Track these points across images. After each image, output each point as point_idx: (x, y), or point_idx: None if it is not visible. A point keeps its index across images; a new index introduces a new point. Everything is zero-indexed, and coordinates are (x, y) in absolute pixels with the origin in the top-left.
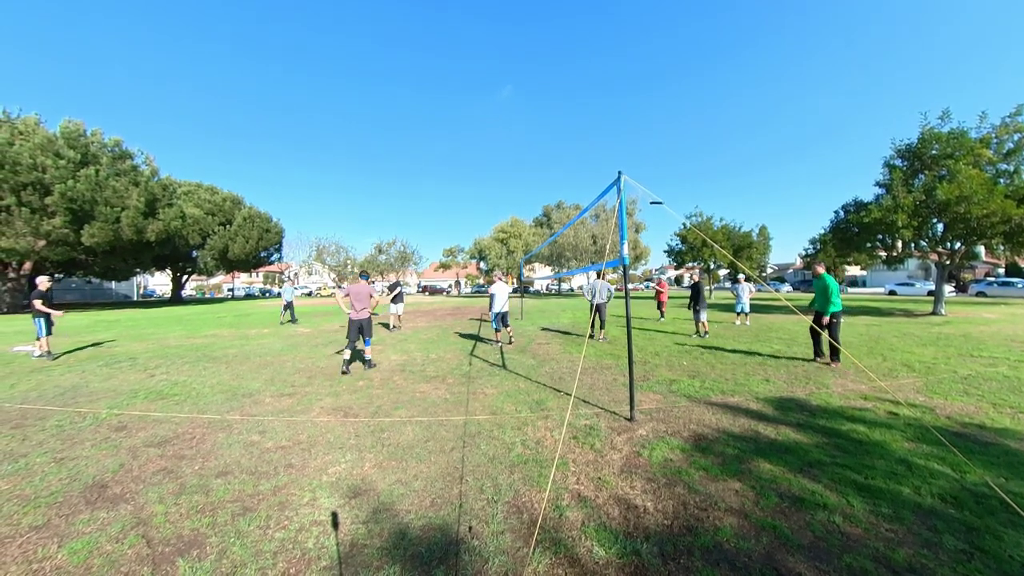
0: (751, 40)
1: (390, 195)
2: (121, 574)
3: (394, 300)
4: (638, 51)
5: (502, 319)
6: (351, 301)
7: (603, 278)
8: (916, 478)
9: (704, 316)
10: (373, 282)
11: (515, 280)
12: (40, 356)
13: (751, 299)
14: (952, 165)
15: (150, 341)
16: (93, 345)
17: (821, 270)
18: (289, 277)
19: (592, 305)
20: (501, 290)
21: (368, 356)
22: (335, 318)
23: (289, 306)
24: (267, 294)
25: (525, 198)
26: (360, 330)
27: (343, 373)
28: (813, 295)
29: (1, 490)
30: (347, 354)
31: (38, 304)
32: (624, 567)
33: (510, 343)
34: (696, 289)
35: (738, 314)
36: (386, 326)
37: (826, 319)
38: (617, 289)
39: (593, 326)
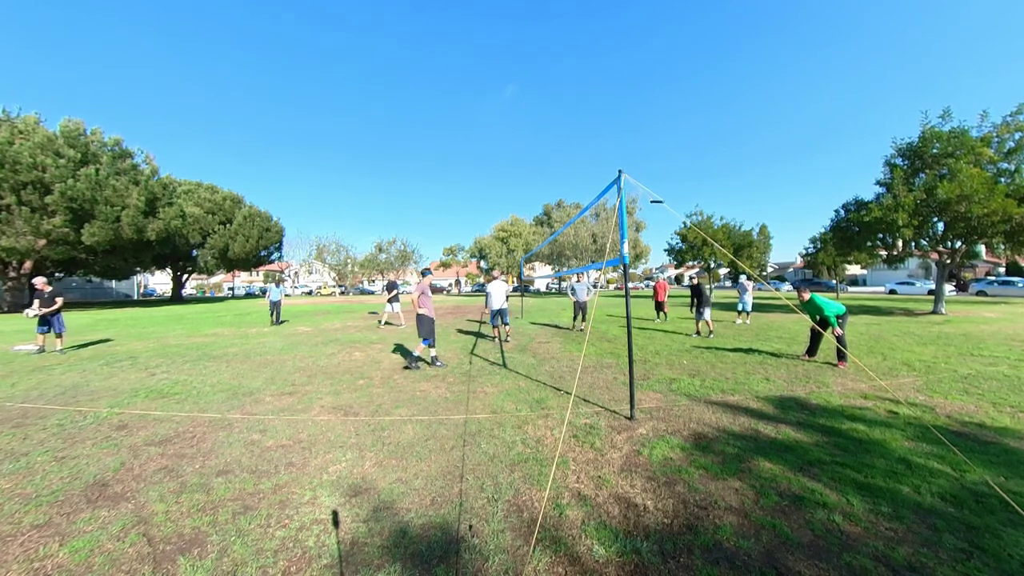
0: (751, 40)
1: (391, 194)
2: (122, 572)
3: (391, 300)
4: (639, 50)
5: (500, 316)
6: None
7: (581, 280)
8: (916, 477)
9: (708, 315)
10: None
11: (515, 279)
12: (38, 352)
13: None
14: (953, 164)
15: (151, 340)
16: (92, 344)
17: (806, 296)
18: (275, 277)
19: (575, 303)
20: (496, 288)
21: (432, 353)
22: (335, 317)
23: (275, 306)
24: (265, 293)
25: (525, 197)
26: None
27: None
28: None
29: (3, 488)
30: (416, 350)
31: (36, 307)
32: (624, 565)
33: (507, 341)
34: (696, 290)
35: (739, 312)
36: (387, 323)
37: (838, 331)
38: (617, 288)
39: (575, 319)
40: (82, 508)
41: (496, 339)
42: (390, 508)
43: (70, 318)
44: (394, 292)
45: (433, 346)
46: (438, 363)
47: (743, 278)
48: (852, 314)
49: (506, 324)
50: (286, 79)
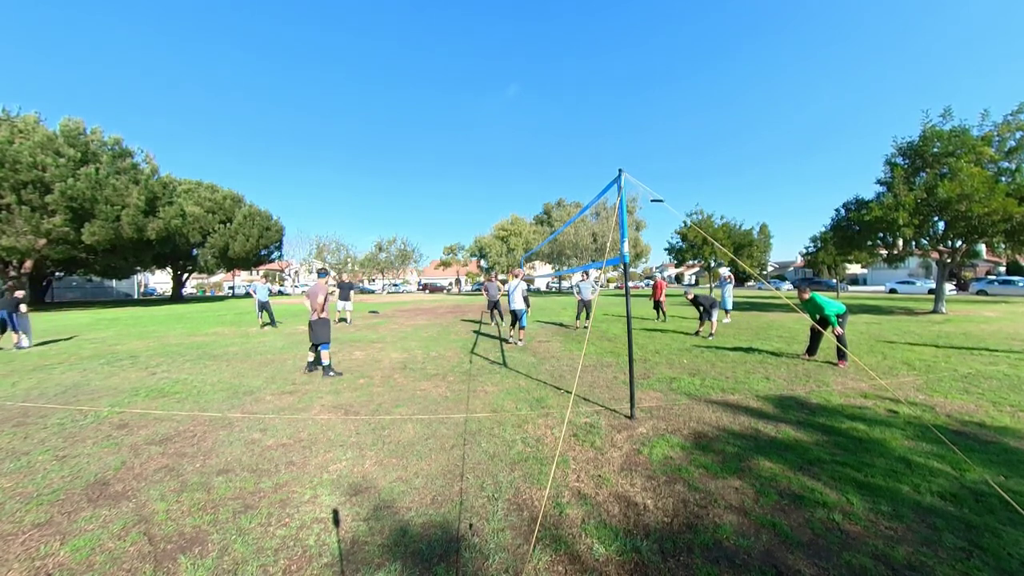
0: (751, 40)
1: (391, 193)
2: (123, 571)
3: (342, 297)
4: (639, 49)
5: (515, 317)
6: (309, 303)
7: (586, 279)
8: (916, 476)
9: (715, 316)
10: (352, 282)
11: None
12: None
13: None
14: (953, 163)
15: (151, 339)
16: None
17: (807, 295)
18: (267, 276)
19: (579, 301)
20: (512, 286)
21: (325, 361)
22: (334, 316)
23: (265, 306)
24: (251, 293)
25: (526, 196)
26: (312, 331)
27: (306, 372)
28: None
29: (4, 488)
30: (311, 355)
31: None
32: (624, 564)
33: (508, 341)
34: (696, 302)
35: (725, 312)
36: (344, 320)
37: (838, 330)
38: (617, 287)
39: (579, 317)
40: (83, 507)
41: (511, 341)
42: (390, 507)
43: (69, 317)
44: (346, 290)
45: (311, 352)
46: (308, 368)
47: (725, 272)
48: (852, 313)
49: (522, 327)
50: (286, 79)
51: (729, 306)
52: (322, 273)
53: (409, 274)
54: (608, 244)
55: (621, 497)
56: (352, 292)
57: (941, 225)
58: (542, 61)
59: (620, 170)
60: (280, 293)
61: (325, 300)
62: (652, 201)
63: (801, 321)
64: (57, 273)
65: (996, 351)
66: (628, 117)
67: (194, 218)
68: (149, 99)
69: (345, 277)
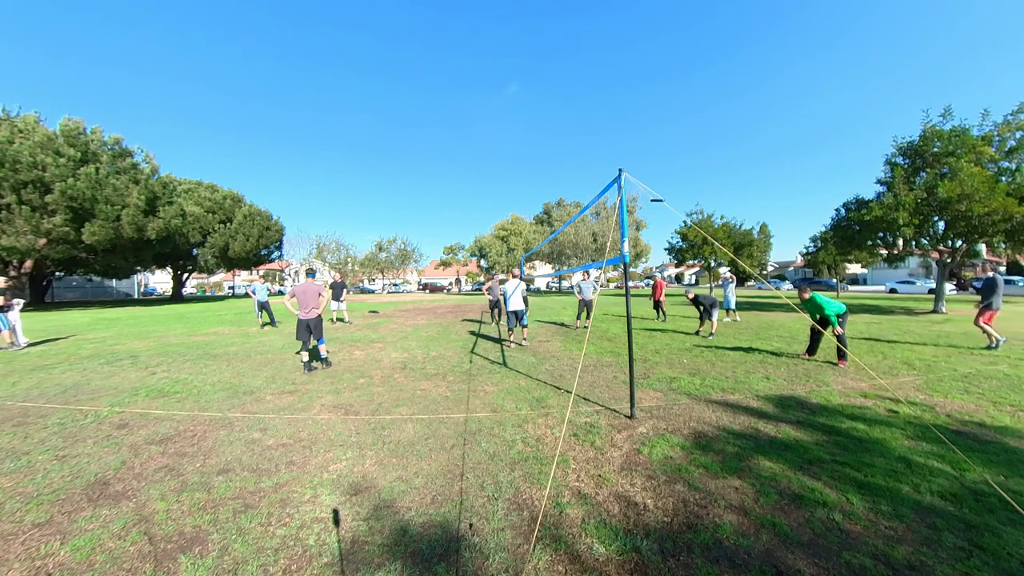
0: (752, 39)
1: (392, 192)
2: (124, 571)
3: (335, 297)
4: (640, 49)
5: (517, 318)
6: (298, 302)
7: (586, 278)
8: (916, 476)
9: (716, 316)
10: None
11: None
12: (5, 348)
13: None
14: (954, 163)
15: (151, 339)
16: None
17: (807, 295)
18: (270, 275)
19: (580, 301)
20: (510, 287)
21: (324, 354)
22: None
23: (264, 306)
24: (251, 292)
25: (526, 196)
26: (309, 330)
27: (306, 372)
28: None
29: (4, 487)
30: (304, 355)
31: None
32: (624, 564)
33: (522, 343)
34: (696, 301)
35: (727, 311)
36: (342, 320)
37: (838, 329)
38: (617, 287)
39: (579, 316)
40: (83, 507)
41: (512, 343)
42: (390, 506)
43: (69, 317)
44: (339, 290)
45: (306, 351)
46: (307, 368)
47: (725, 272)
48: (852, 313)
49: (524, 326)
50: (286, 79)
51: (732, 305)
52: (310, 273)
53: (409, 274)
54: (608, 244)
55: (621, 497)
56: (344, 292)
57: (941, 225)
58: (542, 60)
59: (620, 170)
60: (280, 293)
61: (321, 299)
62: (652, 201)
63: (801, 321)
64: (57, 273)
65: (996, 351)
66: (628, 117)
67: (194, 218)
68: (149, 99)
69: (337, 277)
